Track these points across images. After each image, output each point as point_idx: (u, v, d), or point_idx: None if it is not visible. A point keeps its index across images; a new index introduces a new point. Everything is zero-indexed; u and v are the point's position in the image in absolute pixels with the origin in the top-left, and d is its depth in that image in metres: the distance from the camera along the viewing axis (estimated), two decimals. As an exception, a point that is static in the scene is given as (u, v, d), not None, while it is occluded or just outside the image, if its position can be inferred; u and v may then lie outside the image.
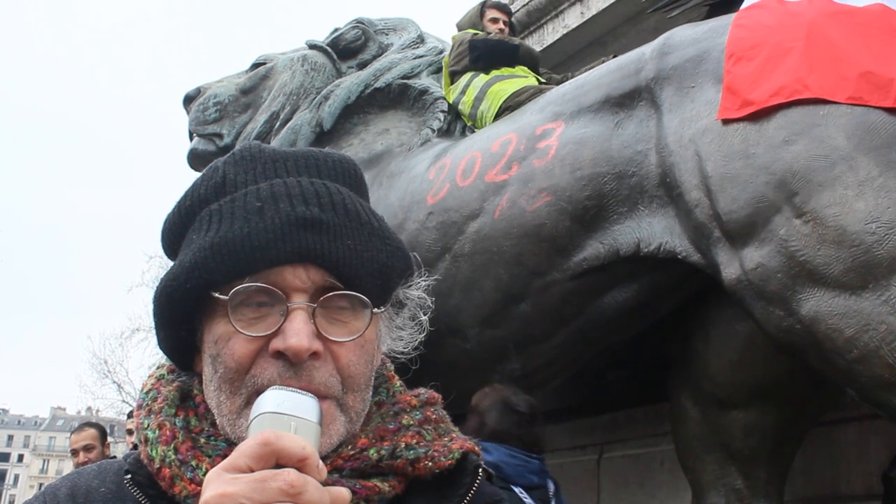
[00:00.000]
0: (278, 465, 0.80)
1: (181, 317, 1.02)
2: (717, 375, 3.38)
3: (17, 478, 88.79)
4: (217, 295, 0.97)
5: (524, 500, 3.15)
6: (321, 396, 0.95)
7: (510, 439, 3.32)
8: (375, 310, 1.01)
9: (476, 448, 1.10)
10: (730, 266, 2.84)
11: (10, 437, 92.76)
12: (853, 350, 2.50)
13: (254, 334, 0.96)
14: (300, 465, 0.80)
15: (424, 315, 1.13)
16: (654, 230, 3.15)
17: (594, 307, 3.48)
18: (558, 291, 3.46)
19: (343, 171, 1.09)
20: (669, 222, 3.10)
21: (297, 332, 0.94)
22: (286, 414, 0.85)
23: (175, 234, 1.06)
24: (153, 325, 1.06)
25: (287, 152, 1.08)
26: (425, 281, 1.12)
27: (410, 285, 1.10)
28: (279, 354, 0.95)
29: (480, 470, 1.07)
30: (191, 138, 5.06)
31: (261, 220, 0.97)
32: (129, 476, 1.01)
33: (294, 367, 0.95)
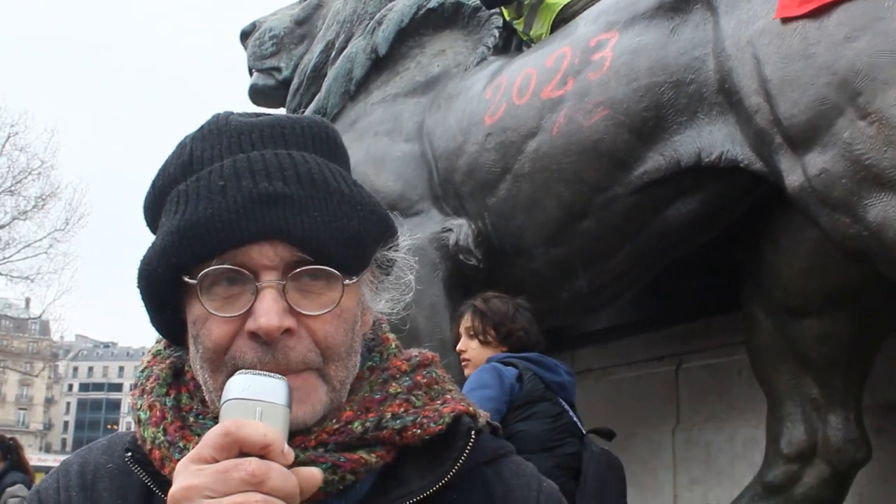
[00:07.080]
0: (243, 454, 0.81)
1: (162, 299, 1.02)
2: (787, 284, 3.30)
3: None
4: (187, 279, 0.96)
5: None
6: (300, 370, 0.95)
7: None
8: (347, 281, 0.98)
9: (470, 409, 1.06)
10: (792, 173, 2.73)
11: (122, 369, 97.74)
12: (923, 255, 2.40)
13: (227, 315, 0.95)
14: (263, 452, 0.81)
15: (410, 274, 1.10)
16: (715, 139, 3.04)
17: (658, 220, 3.40)
18: (621, 206, 3.40)
19: (312, 137, 1.05)
20: (730, 130, 2.99)
21: (267, 311, 0.93)
22: (251, 399, 0.85)
23: (153, 213, 1.06)
24: (142, 304, 1.05)
25: (253, 123, 1.04)
26: (407, 242, 1.09)
27: (391, 247, 1.07)
28: (254, 334, 0.94)
29: (474, 432, 1.04)
30: (251, 74, 5.07)
31: (224, 200, 0.95)
32: (129, 454, 1.03)
33: (269, 346, 0.94)
